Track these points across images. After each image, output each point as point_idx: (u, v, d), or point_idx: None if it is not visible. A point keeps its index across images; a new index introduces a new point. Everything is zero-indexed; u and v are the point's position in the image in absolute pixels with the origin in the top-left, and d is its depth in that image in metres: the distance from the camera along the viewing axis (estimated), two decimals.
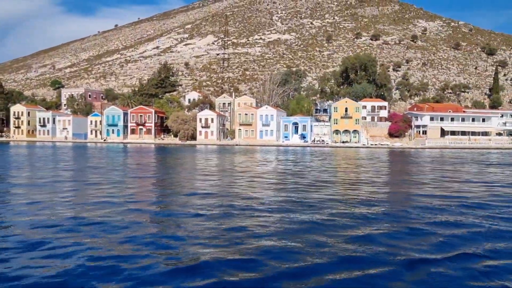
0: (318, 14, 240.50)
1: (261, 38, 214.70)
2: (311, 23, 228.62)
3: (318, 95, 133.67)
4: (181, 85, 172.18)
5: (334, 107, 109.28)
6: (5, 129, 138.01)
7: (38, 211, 14.72)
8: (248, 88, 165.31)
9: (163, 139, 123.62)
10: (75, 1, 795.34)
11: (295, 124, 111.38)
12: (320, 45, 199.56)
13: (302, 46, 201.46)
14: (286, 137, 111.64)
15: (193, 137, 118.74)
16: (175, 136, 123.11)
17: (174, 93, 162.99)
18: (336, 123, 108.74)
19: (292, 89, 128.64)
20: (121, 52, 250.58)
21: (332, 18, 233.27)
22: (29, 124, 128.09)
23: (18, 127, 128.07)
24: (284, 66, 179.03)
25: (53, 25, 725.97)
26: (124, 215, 14.22)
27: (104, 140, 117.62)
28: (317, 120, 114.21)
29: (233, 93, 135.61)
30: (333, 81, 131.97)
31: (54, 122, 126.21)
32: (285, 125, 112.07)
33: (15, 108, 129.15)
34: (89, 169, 31.79)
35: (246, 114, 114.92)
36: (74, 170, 30.50)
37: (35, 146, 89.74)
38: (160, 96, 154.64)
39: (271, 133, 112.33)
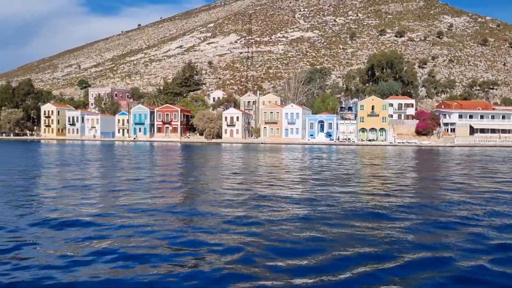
0: (341, 11, 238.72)
1: (284, 36, 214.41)
2: (334, 20, 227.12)
3: (343, 93, 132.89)
4: (205, 84, 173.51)
5: (361, 105, 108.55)
6: (35, 128, 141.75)
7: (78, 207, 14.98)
8: (271, 86, 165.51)
9: (188, 138, 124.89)
10: (98, 1, 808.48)
11: (321, 122, 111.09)
12: (343, 43, 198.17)
13: (325, 43, 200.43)
14: (312, 135, 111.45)
15: (219, 136, 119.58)
16: (201, 134, 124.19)
17: (198, 91, 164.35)
18: (363, 121, 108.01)
19: (317, 87, 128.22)
20: (145, 51, 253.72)
21: (356, 15, 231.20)
22: (58, 123, 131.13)
23: (49, 125, 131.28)
24: (308, 64, 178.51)
25: (77, 25, 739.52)
26: (155, 214, 14.19)
27: (134, 138, 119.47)
28: (343, 118, 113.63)
29: (258, 92, 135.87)
30: (358, 78, 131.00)
31: (83, 121, 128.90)
32: (310, 123, 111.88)
33: (46, 107, 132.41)
34: (131, 167, 32.48)
35: (271, 112, 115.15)
36: (122, 169, 31.26)
37: (66, 144, 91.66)
38: (184, 94, 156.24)
39: (296, 131, 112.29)
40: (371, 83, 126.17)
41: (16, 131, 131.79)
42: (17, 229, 11.85)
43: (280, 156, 51.20)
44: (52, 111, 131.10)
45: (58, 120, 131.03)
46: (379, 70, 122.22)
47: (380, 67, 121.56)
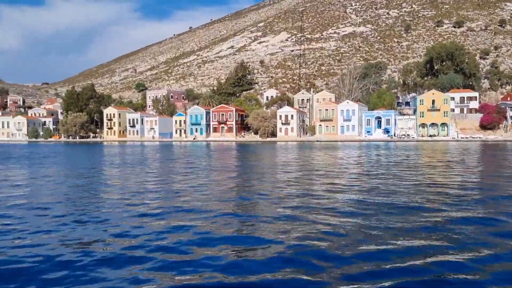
0: (394, 3, 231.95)
1: (335, 32, 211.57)
2: (388, 13, 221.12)
3: (399, 88, 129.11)
4: (257, 83, 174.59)
5: (420, 100, 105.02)
6: (97, 130, 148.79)
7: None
8: (324, 83, 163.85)
9: (243, 137, 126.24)
10: (151, 6, 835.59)
11: (378, 118, 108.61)
12: (398, 36, 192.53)
13: (379, 38, 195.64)
14: (369, 132, 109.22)
15: (273, 134, 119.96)
16: (256, 133, 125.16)
17: (251, 91, 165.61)
18: (423, 116, 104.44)
19: (372, 82, 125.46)
20: (197, 53, 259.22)
21: (410, 6, 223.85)
22: (120, 125, 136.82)
23: (111, 128, 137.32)
24: (361, 59, 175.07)
25: (132, 31, 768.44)
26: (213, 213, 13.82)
27: (194, 138, 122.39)
28: (401, 114, 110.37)
29: (312, 89, 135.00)
30: (416, 72, 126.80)
31: (142, 122, 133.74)
32: (367, 119, 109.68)
33: (108, 111, 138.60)
34: (201, 166, 33.24)
35: (326, 109, 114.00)
36: (197, 168, 32.07)
37: (129, 145, 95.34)
38: (237, 94, 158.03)
39: (352, 128, 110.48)
40: (429, 77, 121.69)
41: (81, 134, 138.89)
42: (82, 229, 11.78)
43: (341, 154, 50.50)
44: (113, 114, 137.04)
45: (119, 122, 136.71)
46: (438, 62, 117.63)
47: (439, 59, 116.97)
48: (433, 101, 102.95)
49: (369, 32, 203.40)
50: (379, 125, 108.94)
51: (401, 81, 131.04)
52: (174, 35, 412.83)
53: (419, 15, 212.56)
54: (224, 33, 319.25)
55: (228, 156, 48.79)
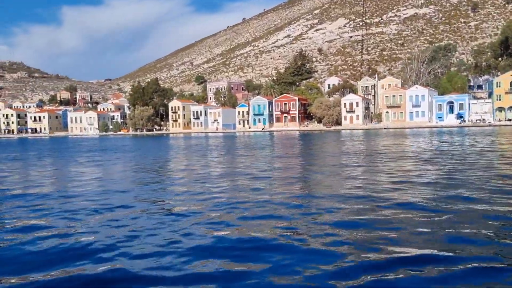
0: None
1: (396, 15, 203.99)
2: None
3: (471, 70, 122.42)
4: (316, 71, 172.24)
5: (497, 82, 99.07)
6: (162, 123, 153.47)
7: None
8: (387, 68, 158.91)
9: (306, 126, 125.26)
10: (202, 0, 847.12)
11: (450, 103, 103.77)
12: (465, 16, 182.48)
13: (443, 19, 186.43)
14: (440, 117, 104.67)
15: (338, 122, 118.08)
16: (319, 122, 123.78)
17: (311, 79, 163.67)
18: (500, 100, 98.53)
19: (441, 66, 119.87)
20: (252, 44, 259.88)
21: None
22: (184, 117, 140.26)
23: (176, 120, 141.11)
24: (425, 42, 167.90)
25: (185, 25, 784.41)
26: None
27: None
28: (475, 98, 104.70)
29: (376, 76, 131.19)
30: (489, 53, 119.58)
31: (206, 114, 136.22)
32: (438, 105, 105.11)
33: (173, 104, 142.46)
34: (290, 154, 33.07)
35: (393, 95, 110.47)
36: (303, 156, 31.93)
37: (195, 137, 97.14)
38: (297, 83, 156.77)
39: (422, 114, 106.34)
40: (505, 57, 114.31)
41: (147, 127, 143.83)
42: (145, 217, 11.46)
43: (414, 141, 48.36)
44: (178, 107, 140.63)
45: (184, 114, 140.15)
46: None
47: None
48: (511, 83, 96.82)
49: (432, 14, 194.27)
50: (451, 110, 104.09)
51: (472, 63, 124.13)
52: (227, 27, 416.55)
53: None
54: (278, 22, 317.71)
55: (304, 145, 48.32)
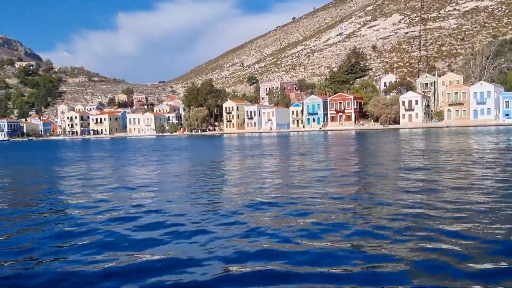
0: None
1: (454, 9, 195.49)
2: None
3: None
4: (371, 69, 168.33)
5: None
6: (215, 123, 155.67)
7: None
8: (446, 65, 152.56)
9: (362, 125, 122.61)
10: (250, 1, 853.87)
11: None
12: None
13: (507, 11, 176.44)
14: (508, 115, 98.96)
15: (395, 121, 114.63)
16: (376, 121, 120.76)
17: (365, 77, 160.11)
18: None
19: (507, 60, 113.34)
20: (303, 43, 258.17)
21: None
22: (238, 117, 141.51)
23: (230, 120, 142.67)
24: (488, 36, 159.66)
25: (234, 26, 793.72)
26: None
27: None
28: None
29: (436, 73, 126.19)
30: None
31: (259, 114, 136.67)
32: (505, 101, 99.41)
33: (227, 104, 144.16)
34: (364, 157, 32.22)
35: (456, 93, 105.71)
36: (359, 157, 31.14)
37: (250, 137, 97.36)
38: (351, 82, 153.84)
39: (488, 112, 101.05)
40: None
41: (202, 127, 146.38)
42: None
43: (487, 140, 45.63)
44: (232, 107, 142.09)
45: (238, 115, 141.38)
46: None
47: None
48: None
49: (495, 6, 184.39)
50: None
51: None
52: (277, 27, 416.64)
53: None
54: (329, 21, 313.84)
55: (373, 144, 46.97)
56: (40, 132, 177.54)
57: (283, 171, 22.74)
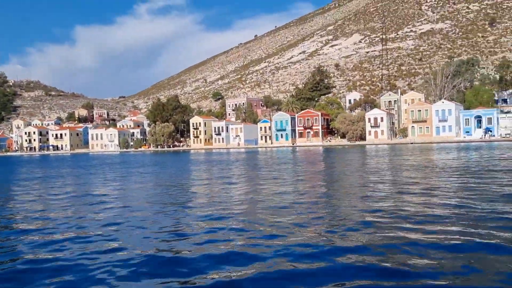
0: None
1: (411, 31, 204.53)
2: (467, 7, 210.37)
3: (495, 85, 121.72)
4: (335, 87, 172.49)
5: None
6: (181, 139, 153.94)
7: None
8: (406, 83, 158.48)
9: (330, 141, 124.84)
10: (213, 18, 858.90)
11: (478, 118, 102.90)
12: (482, 30, 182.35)
13: (460, 33, 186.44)
14: (468, 132, 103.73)
15: (362, 137, 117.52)
16: (342, 137, 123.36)
17: (329, 95, 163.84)
18: None
19: (465, 80, 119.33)
20: (267, 60, 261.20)
21: None
22: (205, 133, 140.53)
23: (197, 136, 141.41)
24: (444, 57, 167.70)
25: (196, 42, 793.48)
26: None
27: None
28: (502, 112, 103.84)
29: (399, 91, 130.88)
30: None
31: (227, 130, 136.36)
32: (465, 119, 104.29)
33: (194, 120, 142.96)
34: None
35: (419, 110, 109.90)
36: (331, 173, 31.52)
37: (219, 153, 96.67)
38: (316, 99, 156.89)
39: (449, 129, 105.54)
40: None
41: (169, 143, 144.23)
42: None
43: (451, 157, 47.65)
44: (199, 123, 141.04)
45: (205, 131, 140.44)
46: None
47: None
48: None
49: (449, 28, 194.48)
50: (479, 124, 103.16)
51: (497, 77, 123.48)
52: (239, 44, 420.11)
53: (503, 6, 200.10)
54: (291, 39, 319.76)
55: (343, 160, 47.80)
56: None
57: (252, 189, 22.62)
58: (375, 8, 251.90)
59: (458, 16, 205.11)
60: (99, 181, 31.29)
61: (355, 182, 23.88)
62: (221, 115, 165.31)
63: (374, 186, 21.33)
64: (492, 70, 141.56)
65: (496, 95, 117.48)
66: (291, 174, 31.54)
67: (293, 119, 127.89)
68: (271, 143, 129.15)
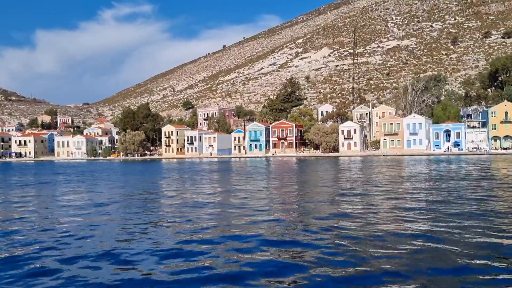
0: (436, 16, 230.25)
1: (379, 46, 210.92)
2: (431, 26, 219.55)
3: (461, 100, 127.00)
4: (306, 99, 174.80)
5: (492, 112, 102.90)
6: (152, 148, 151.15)
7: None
8: (375, 97, 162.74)
9: (303, 152, 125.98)
10: (179, 27, 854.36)
11: (447, 132, 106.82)
12: (445, 48, 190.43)
13: (425, 50, 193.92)
14: (437, 145, 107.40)
15: (335, 149, 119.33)
16: (316, 148, 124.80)
17: (301, 106, 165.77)
18: (495, 129, 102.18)
19: (433, 95, 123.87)
20: (236, 70, 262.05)
21: (454, 19, 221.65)
22: (178, 142, 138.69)
23: (169, 145, 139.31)
24: (410, 72, 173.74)
25: (162, 51, 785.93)
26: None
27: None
28: (469, 127, 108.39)
29: (370, 104, 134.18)
30: (478, 84, 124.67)
31: (200, 139, 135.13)
32: (435, 133, 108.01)
33: (166, 128, 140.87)
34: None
35: (391, 123, 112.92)
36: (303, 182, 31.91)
37: (192, 162, 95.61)
38: (288, 110, 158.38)
39: (420, 142, 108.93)
40: (493, 88, 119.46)
41: (139, 152, 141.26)
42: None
43: (425, 169, 49.43)
44: (172, 132, 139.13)
45: (177, 139, 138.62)
46: (503, 74, 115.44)
47: (505, 70, 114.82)
48: (506, 113, 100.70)
49: (414, 45, 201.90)
50: (447, 138, 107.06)
51: (462, 93, 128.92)
52: (208, 53, 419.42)
53: (464, 26, 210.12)
54: (259, 50, 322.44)
55: (319, 172, 48.40)
56: None
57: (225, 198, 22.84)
58: (343, 24, 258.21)
59: (423, 34, 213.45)
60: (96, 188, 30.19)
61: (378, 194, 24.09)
62: (192, 124, 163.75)
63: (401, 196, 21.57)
64: (456, 86, 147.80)
65: (461, 110, 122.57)
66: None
67: (267, 129, 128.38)
68: (245, 153, 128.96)
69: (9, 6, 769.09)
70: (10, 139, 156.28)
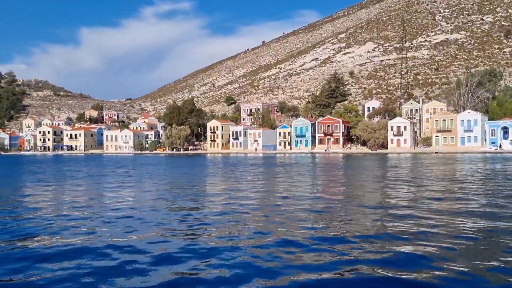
0: (487, 8, 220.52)
1: (426, 40, 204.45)
2: (481, 19, 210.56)
3: None
4: (350, 94, 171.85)
5: None
6: (196, 142, 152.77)
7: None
8: (423, 93, 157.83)
9: (350, 148, 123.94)
10: (217, 24, 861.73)
11: (505, 129, 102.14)
12: (498, 42, 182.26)
13: (476, 44, 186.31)
14: (494, 143, 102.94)
15: (383, 146, 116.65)
16: (363, 145, 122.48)
17: (345, 102, 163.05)
18: None
19: (488, 91, 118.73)
20: (277, 66, 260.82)
21: (506, 11, 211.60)
22: (222, 137, 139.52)
23: (214, 140, 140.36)
24: (460, 67, 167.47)
25: (201, 47, 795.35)
26: None
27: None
28: None
29: (421, 100, 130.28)
30: None
31: (245, 135, 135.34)
32: (492, 130, 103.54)
33: (211, 124, 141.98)
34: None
35: (444, 120, 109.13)
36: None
37: (237, 157, 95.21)
38: (332, 106, 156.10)
39: (474, 139, 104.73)
40: None
41: (184, 146, 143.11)
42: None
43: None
44: (217, 127, 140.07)
45: (222, 135, 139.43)
46: None
47: None
48: None
49: (464, 39, 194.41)
50: (505, 135, 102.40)
51: None
52: (247, 49, 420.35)
53: None
54: (300, 46, 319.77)
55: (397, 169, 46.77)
56: (6, 147, 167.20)
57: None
58: (388, 17, 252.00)
59: (473, 27, 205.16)
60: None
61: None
62: (235, 120, 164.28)
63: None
64: (510, 82, 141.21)
65: None
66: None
67: (313, 125, 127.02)
68: (290, 149, 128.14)
69: (55, 4, 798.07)
70: (61, 132, 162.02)
